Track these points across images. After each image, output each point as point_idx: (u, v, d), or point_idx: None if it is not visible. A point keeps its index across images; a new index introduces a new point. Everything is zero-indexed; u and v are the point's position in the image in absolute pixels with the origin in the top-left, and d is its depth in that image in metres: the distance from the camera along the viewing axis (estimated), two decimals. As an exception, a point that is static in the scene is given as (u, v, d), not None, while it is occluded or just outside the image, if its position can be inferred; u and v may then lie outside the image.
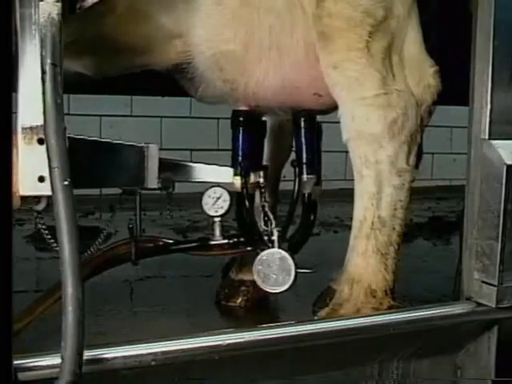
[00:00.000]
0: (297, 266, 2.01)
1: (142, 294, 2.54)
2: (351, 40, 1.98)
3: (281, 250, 2.03)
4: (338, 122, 2.06)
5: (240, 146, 2.16)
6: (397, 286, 2.09)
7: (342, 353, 1.89)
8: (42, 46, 1.43)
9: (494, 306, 2.03)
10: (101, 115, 4.68)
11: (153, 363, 1.62)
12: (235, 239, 2.10)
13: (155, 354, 1.63)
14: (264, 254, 2.03)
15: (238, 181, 2.12)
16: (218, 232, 2.09)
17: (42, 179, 1.53)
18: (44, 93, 1.41)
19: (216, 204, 2.05)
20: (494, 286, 2.02)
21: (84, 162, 1.72)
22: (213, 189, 2.06)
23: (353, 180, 2.09)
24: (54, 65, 1.42)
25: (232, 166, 2.14)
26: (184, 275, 2.79)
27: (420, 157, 2.16)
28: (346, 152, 2.09)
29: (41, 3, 1.44)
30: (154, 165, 1.89)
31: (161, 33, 2.06)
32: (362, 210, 2.05)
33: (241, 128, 2.16)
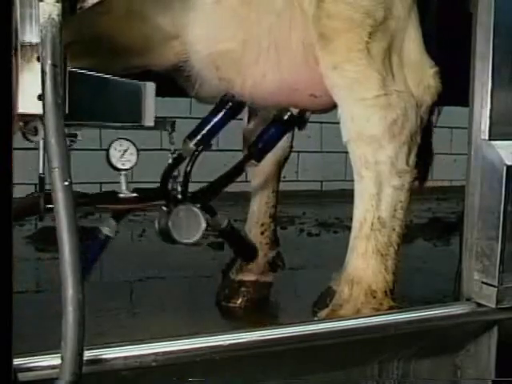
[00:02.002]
0: (206, 220, 2.10)
1: (143, 294, 2.55)
2: (351, 41, 1.98)
3: (191, 205, 2.09)
4: (338, 123, 2.06)
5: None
6: (397, 287, 2.09)
7: (343, 353, 1.89)
8: (43, 47, 1.43)
9: (494, 306, 2.03)
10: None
11: (153, 364, 1.62)
12: (143, 193, 2.09)
13: (155, 354, 1.63)
14: (176, 210, 2.07)
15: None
16: (124, 186, 2.05)
17: (41, 97, 1.50)
18: (44, 93, 1.41)
19: (123, 157, 2.00)
20: (494, 286, 2.03)
21: (84, 95, 1.73)
22: (119, 141, 2.01)
23: (353, 180, 2.09)
24: (54, 65, 1.41)
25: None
26: (184, 276, 2.79)
27: (431, 158, 2.17)
28: (346, 152, 2.09)
29: (41, 4, 1.44)
30: (151, 103, 1.89)
31: (158, 33, 2.06)
32: (362, 210, 2.05)
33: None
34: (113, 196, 2.07)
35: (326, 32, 1.99)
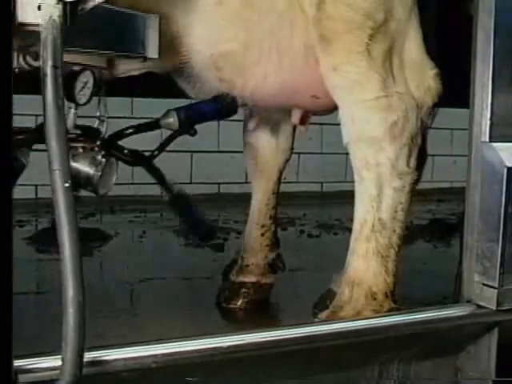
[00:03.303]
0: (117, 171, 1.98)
1: (143, 295, 2.55)
2: (351, 42, 1.98)
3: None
4: (339, 125, 2.06)
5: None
6: (397, 289, 2.09)
7: (343, 355, 1.89)
8: (43, 49, 1.43)
9: (494, 308, 2.03)
10: (101, 117, 4.67)
11: (153, 365, 1.62)
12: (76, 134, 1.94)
13: (156, 356, 1.63)
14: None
15: None
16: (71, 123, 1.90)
17: (40, 7, 1.49)
18: (45, 95, 1.41)
19: (82, 91, 1.85)
20: (495, 288, 2.03)
21: (88, 24, 1.69)
22: (86, 73, 1.86)
23: (353, 182, 2.09)
24: (55, 67, 1.41)
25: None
26: (185, 277, 2.79)
27: (425, 159, 2.16)
28: (347, 154, 2.09)
29: (42, 5, 1.44)
30: (155, 34, 1.84)
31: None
32: (363, 212, 2.05)
33: None
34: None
35: (327, 33, 1.99)
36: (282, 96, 2.13)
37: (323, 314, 2.09)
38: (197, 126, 2.19)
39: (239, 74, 2.08)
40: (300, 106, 2.21)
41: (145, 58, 1.83)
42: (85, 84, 1.86)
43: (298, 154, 4.93)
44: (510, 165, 2.01)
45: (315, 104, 2.16)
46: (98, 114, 2.01)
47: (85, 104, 1.87)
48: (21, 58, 1.66)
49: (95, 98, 1.93)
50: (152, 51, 1.82)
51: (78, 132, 1.96)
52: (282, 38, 2.04)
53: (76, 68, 1.85)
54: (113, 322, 2.17)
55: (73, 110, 1.88)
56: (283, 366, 1.82)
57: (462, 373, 1.97)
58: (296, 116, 2.30)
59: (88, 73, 1.86)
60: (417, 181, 2.14)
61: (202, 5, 2.02)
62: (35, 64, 1.62)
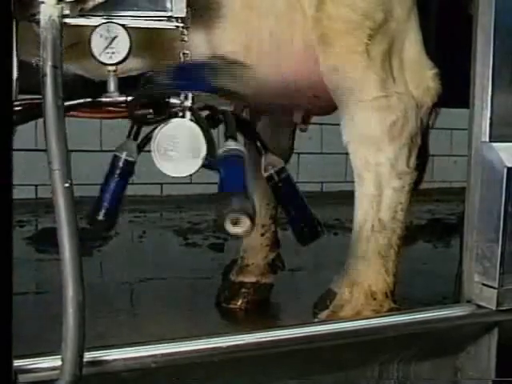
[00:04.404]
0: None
1: (143, 295, 2.55)
2: (351, 43, 1.98)
3: (191, 122, 1.61)
4: (338, 124, 2.06)
5: None
6: (397, 289, 2.09)
7: (343, 355, 1.89)
8: (43, 48, 1.43)
9: (494, 308, 2.03)
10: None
11: (153, 365, 1.62)
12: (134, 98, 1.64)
13: (155, 356, 1.63)
14: (168, 125, 1.61)
15: None
16: (112, 86, 1.61)
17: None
18: (44, 95, 1.41)
19: (110, 47, 1.57)
20: (495, 288, 2.02)
21: None
22: (106, 25, 1.56)
23: (353, 182, 2.09)
24: (54, 67, 1.42)
25: None
26: (184, 277, 2.79)
27: (426, 160, 2.17)
28: (346, 154, 2.09)
29: (42, 5, 1.44)
30: None
31: (160, 35, 2.06)
32: (363, 212, 2.05)
33: None
34: (97, 101, 1.62)
35: (326, 34, 1.99)
36: (283, 96, 2.13)
37: (323, 314, 2.09)
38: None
39: (240, 75, 2.08)
40: (301, 107, 2.21)
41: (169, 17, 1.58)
42: (112, 39, 1.58)
43: (298, 154, 4.92)
44: (510, 165, 2.01)
45: (316, 104, 2.16)
46: None
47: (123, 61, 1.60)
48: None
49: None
50: (179, 10, 1.60)
51: None
52: (282, 38, 2.04)
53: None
54: (113, 322, 2.17)
55: (112, 73, 1.61)
56: (283, 366, 1.82)
57: (461, 373, 1.97)
58: (298, 115, 2.30)
59: (113, 26, 1.59)
60: (419, 181, 2.15)
61: (202, 7, 2.02)
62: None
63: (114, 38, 1.57)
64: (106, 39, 1.57)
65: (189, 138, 1.60)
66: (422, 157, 2.12)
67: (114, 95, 1.62)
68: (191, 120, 1.62)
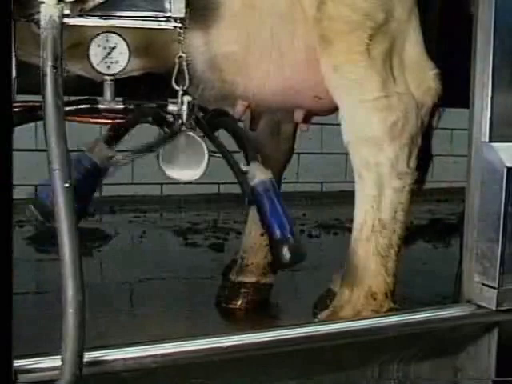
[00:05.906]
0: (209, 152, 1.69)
1: (142, 295, 2.55)
2: (352, 43, 1.98)
3: (191, 132, 1.66)
4: (339, 124, 2.06)
5: None
6: (397, 289, 2.09)
7: (343, 355, 1.89)
8: (43, 48, 1.43)
9: (494, 308, 2.03)
10: (101, 117, 4.67)
11: (153, 365, 1.62)
12: (131, 105, 1.66)
13: (155, 356, 1.62)
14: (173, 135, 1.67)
15: None
16: (109, 94, 1.63)
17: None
18: (44, 95, 1.41)
19: (109, 57, 1.59)
20: (495, 288, 2.02)
21: None
22: (105, 35, 1.58)
23: (353, 182, 2.09)
24: (54, 67, 1.42)
25: None
26: (184, 277, 2.79)
27: (429, 160, 2.16)
28: (347, 154, 2.09)
29: (42, 5, 1.44)
30: None
31: (160, 35, 2.06)
32: (363, 212, 2.05)
33: None
34: (94, 107, 1.64)
35: (327, 34, 1.99)
36: (285, 96, 2.13)
37: (323, 314, 2.10)
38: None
39: (241, 75, 2.08)
40: (302, 107, 2.21)
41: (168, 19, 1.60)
42: (111, 49, 1.61)
43: (298, 154, 4.92)
44: (509, 165, 2.01)
45: (318, 104, 2.16)
46: None
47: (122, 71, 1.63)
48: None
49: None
50: (177, 10, 1.59)
51: None
52: (283, 38, 2.04)
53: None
54: (113, 322, 2.17)
55: (109, 82, 1.63)
56: (283, 367, 1.82)
57: (461, 373, 1.98)
58: (299, 114, 2.30)
59: (113, 36, 1.62)
60: (422, 182, 2.15)
61: (203, 7, 2.02)
62: (37, 31, 1.50)
63: (113, 48, 1.59)
64: (105, 49, 1.59)
65: (191, 146, 1.67)
66: (424, 157, 2.12)
67: (110, 104, 1.65)
68: (192, 126, 1.67)
